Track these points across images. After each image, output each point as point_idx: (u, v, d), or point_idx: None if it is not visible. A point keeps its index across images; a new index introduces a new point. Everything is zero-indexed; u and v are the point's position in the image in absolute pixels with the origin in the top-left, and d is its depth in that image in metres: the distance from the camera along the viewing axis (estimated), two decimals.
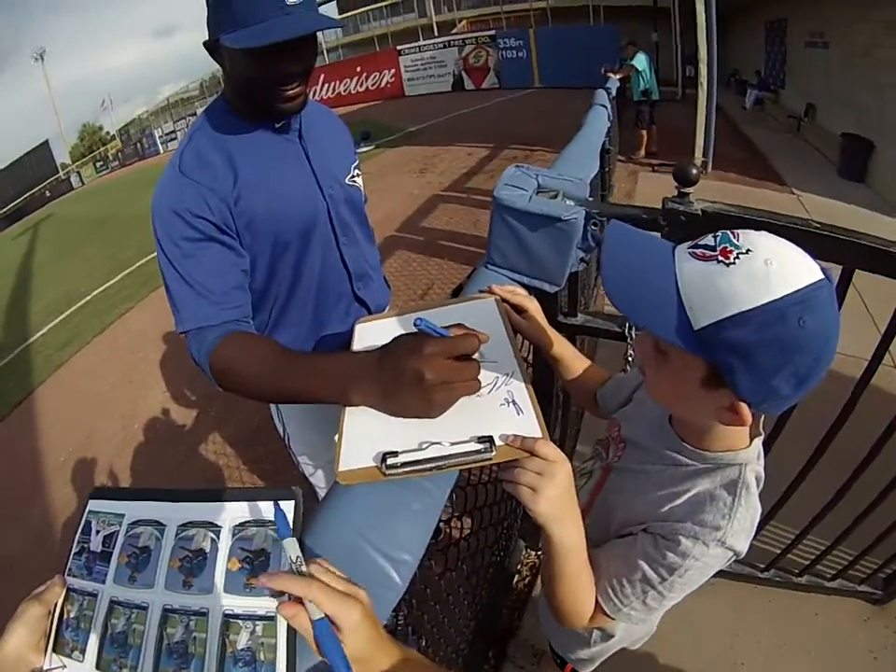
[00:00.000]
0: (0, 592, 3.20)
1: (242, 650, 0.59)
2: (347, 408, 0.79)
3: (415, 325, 0.74)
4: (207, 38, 1.11)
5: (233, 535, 0.66)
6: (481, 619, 1.83)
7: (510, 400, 0.75)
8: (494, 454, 0.67)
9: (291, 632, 0.57)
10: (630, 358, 1.36)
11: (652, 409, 0.91)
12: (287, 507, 0.66)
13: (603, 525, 0.95)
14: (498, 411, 0.74)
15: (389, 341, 0.77)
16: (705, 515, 0.78)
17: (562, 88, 14.41)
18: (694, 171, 1.24)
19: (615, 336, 1.46)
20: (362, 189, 1.45)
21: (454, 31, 21.81)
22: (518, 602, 2.21)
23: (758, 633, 1.98)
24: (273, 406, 1.55)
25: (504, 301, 1.03)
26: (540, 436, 0.69)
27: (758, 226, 0.74)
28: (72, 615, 0.67)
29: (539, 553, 2.35)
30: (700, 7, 6.41)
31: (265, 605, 0.61)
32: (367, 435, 0.74)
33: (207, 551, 0.66)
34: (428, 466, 0.67)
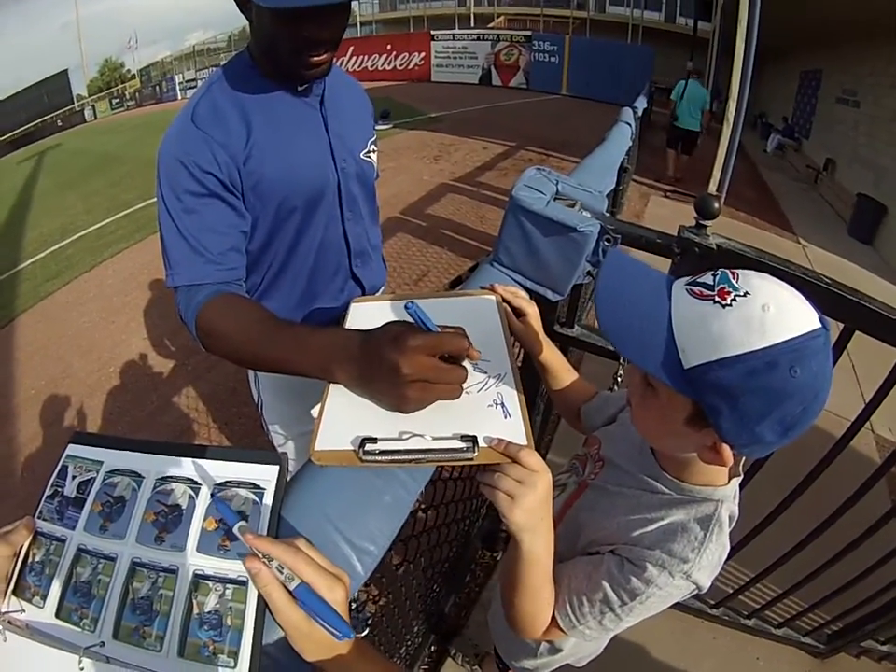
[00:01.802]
0: None
1: (209, 612, 0.58)
2: (332, 385, 0.78)
3: (406, 308, 0.72)
4: None
5: (212, 493, 0.65)
6: (429, 613, 1.83)
7: (498, 402, 0.74)
8: (476, 455, 0.66)
9: (261, 599, 0.56)
10: (619, 379, 1.36)
11: (636, 433, 0.90)
12: (271, 472, 0.65)
13: (570, 540, 0.95)
14: (486, 411, 0.73)
15: (378, 326, 0.75)
16: (675, 545, 0.78)
17: (588, 99, 14.36)
18: (716, 205, 1.22)
19: (608, 354, 1.46)
20: (376, 165, 1.42)
21: (490, 25, 21.72)
22: (467, 601, 2.22)
23: (699, 667, 2.00)
24: (250, 372, 1.53)
25: (505, 301, 1.02)
26: (526, 443, 0.68)
27: (770, 271, 0.72)
28: (37, 559, 0.65)
29: (495, 554, 2.36)
30: (740, 44, 6.40)
31: (238, 569, 0.59)
32: (348, 416, 0.73)
33: (184, 507, 0.65)
34: (407, 458, 0.66)
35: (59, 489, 0.70)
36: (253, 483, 0.65)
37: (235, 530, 0.58)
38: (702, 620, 2.09)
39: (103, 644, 0.58)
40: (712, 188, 6.90)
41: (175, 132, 1.09)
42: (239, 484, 0.65)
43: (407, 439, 0.68)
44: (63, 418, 3.96)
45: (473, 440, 0.67)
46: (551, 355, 1.11)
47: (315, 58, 1.06)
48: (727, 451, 0.68)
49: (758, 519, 1.63)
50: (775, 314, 0.60)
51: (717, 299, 0.64)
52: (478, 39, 18.77)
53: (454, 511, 1.60)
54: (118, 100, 46.13)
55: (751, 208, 7.32)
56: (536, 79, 17.43)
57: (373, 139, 1.39)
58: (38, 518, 0.68)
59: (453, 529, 1.72)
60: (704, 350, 0.63)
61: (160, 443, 0.71)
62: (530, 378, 1.59)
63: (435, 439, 0.67)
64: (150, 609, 0.59)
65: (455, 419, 0.70)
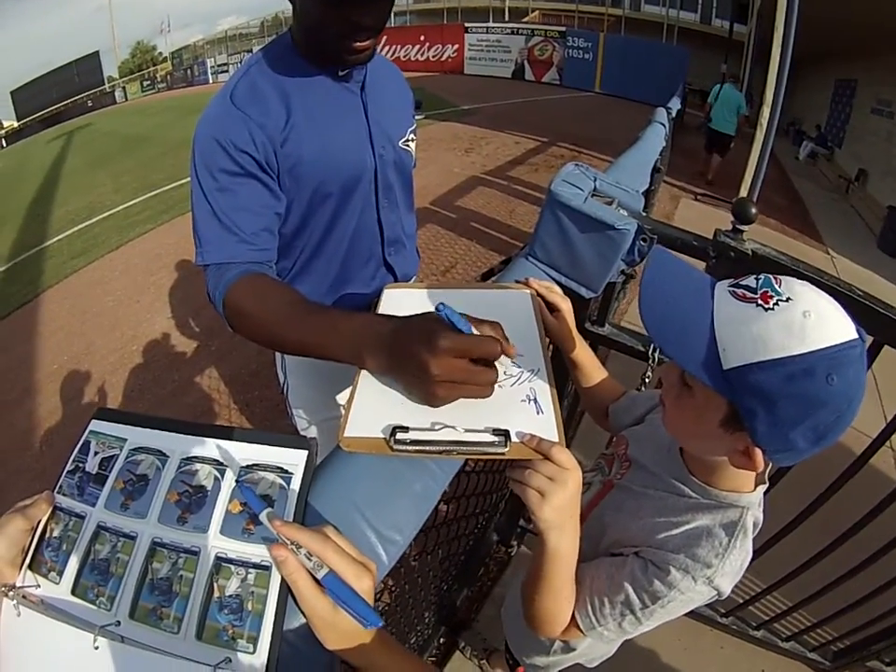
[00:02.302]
0: None
1: (230, 596, 0.57)
2: (363, 371, 0.77)
3: (437, 310, 0.70)
4: None
5: (238, 476, 0.64)
6: (441, 605, 1.84)
7: (531, 398, 0.73)
8: (507, 450, 0.65)
9: (284, 585, 0.56)
10: (647, 380, 1.35)
11: (664, 434, 0.90)
12: (299, 457, 0.64)
13: (594, 540, 0.95)
14: (518, 406, 0.72)
15: (411, 315, 0.74)
16: (699, 550, 0.78)
17: (621, 98, 14.22)
18: (753, 210, 1.21)
19: (637, 354, 1.45)
20: (414, 154, 1.41)
21: (524, 19, 21.55)
22: (479, 595, 2.22)
23: None
24: (277, 355, 1.52)
25: (539, 296, 1.01)
26: (557, 440, 0.68)
27: (804, 279, 0.70)
28: (55, 534, 0.64)
29: (509, 550, 2.36)
30: (776, 49, 6.31)
31: (261, 553, 0.58)
32: (379, 403, 0.72)
33: (209, 489, 0.64)
34: (437, 448, 0.65)
35: (80, 465, 0.69)
36: (280, 468, 0.64)
37: (262, 517, 0.57)
38: (710, 628, 2.08)
39: (118, 623, 0.57)
40: (743, 193, 6.81)
41: (213, 111, 1.09)
42: (266, 468, 0.64)
43: (439, 430, 0.67)
44: (84, 394, 4.01)
45: (505, 434, 0.66)
46: (583, 352, 1.10)
47: (359, 43, 1.05)
48: (759, 456, 0.68)
49: (774, 530, 1.61)
50: (815, 321, 0.61)
51: (760, 302, 0.64)
52: (512, 33, 18.62)
53: (473, 504, 1.60)
54: (149, 82, 46.65)
55: (781, 216, 7.21)
56: (569, 76, 17.25)
57: (413, 127, 1.39)
58: (58, 493, 0.67)
59: (471, 523, 1.72)
60: (744, 351, 0.63)
61: (186, 423, 0.70)
62: (558, 374, 1.60)
63: (467, 431, 0.67)
64: (169, 590, 0.58)
65: (487, 412, 0.70)
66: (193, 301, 4.81)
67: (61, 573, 0.61)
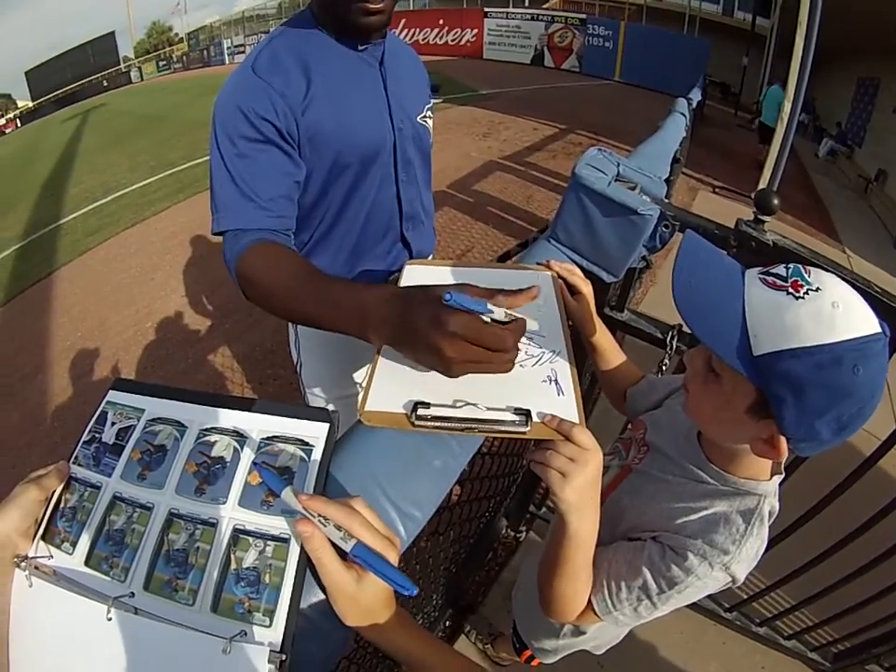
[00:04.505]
0: None
1: (246, 568, 0.56)
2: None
3: (444, 300, 0.66)
4: None
5: (258, 448, 0.63)
6: (449, 587, 1.84)
7: (552, 379, 0.73)
8: (528, 429, 0.65)
9: (303, 558, 0.55)
10: (664, 367, 1.34)
11: (683, 420, 0.90)
12: (321, 429, 0.63)
13: (611, 524, 0.94)
14: (540, 386, 0.72)
15: (413, 290, 0.72)
16: (717, 536, 0.79)
17: (641, 87, 14.09)
18: (775, 201, 1.20)
19: (655, 341, 1.44)
20: (431, 131, 1.41)
21: (545, 5, 21.35)
22: (487, 579, 2.22)
23: (705, 669, 1.99)
24: (291, 331, 1.53)
25: (560, 277, 1.01)
26: (578, 421, 0.67)
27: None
28: (69, 505, 0.63)
29: (518, 535, 2.36)
30: (799, 45, 6.21)
31: (280, 525, 0.58)
32: (400, 378, 0.71)
33: (228, 460, 0.63)
34: (459, 426, 0.65)
35: (97, 435, 0.68)
36: (301, 440, 0.63)
37: (284, 496, 0.57)
38: (714, 623, 2.08)
39: (132, 595, 0.56)
40: (762, 187, 6.75)
41: (234, 80, 1.10)
42: (287, 440, 0.63)
43: (460, 407, 0.67)
44: (97, 371, 4.04)
45: (527, 414, 0.66)
46: (602, 335, 1.10)
47: (372, 4, 1.06)
48: (783, 444, 0.69)
49: (782, 526, 1.60)
50: (843, 312, 0.62)
51: (790, 290, 0.65)
52: (532, 19, 18.45)
53: (485, 487, 1.60)
54: (164, 62, 46.67)
55: (799, 212, 7.14)
56: (589, 63, 17.11)
57: (430, 105, 1.39)
58: (74, 463, 0.66)
59: (482, 506, 1.72)
60: (775, 338, 0.64)
61: (205, 393, 0.69)
62: (576, 357, 1.60)
63: (488, 409, 0.66)
64: (185, 561, 0.58)
65: (508, 392, 0.69)
66: (208, 280, 4.83)
67: (74, 544, 0.60)
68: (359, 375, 1.53)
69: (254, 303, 0.99)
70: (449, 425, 0.65)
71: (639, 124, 8.11)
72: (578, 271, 1.05)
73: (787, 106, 6.45)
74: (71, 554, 0.60)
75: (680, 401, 0.93)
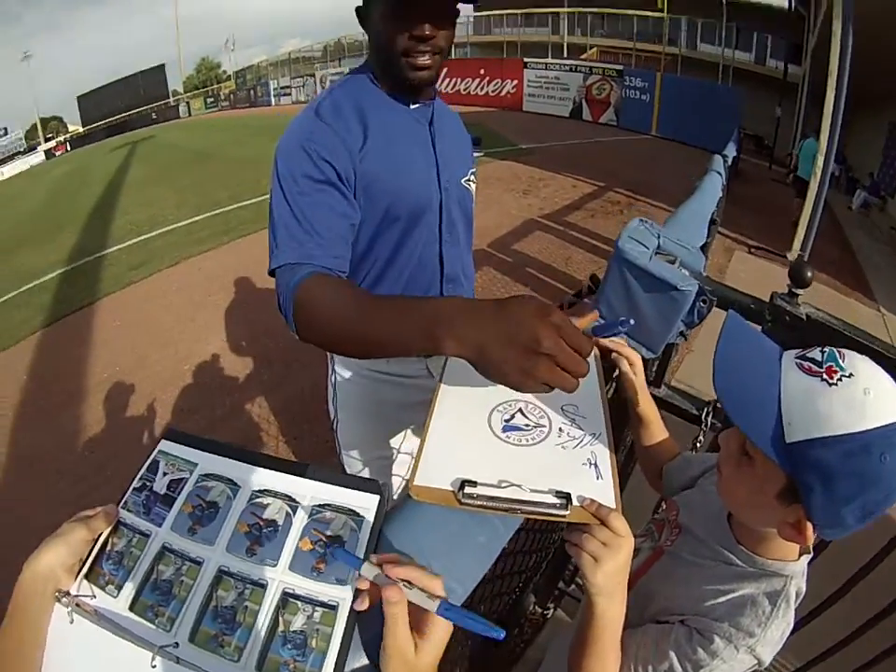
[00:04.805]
0: (19, 487, 3.41)
1: (294, 631, 0.58)
2: (433, 416, 0.79)
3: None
4: (360, 4, 1.21)
5: (310, 514, 0.66)
6: (473, 660, 1.78)
7: (592, 462, 0.74)
8: (568, 513, 0.66)
9: (350, 625, 0.57)
10: (699, 444, 1.36)
11: (715, 501, 0.91)
12: (371, 501, 0.66)
13: (641, 607, 0.95)
14: (580, 469, 0.73)
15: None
16: (743, 619, 0.79)
17: (678, 141, 14.15)
18: (809, 274, 1.22)
19: (691, 418, 1.45)
20: (474, 194, 1.45)
21: (583, 56, 21.72)
22: (512, 656, 2.14)
23: None
24: (330, 388, 1.54)
25: (612, 350, 1.03)
26: (615, 507, 0.68)
27: (856, 344, 0.82)
28: (116, 548, 0.65)
29: (546, 612, 2.28)
30: (830, 95, 6.18)
31: (330, 592, 0.60)
32: (449, 452, 0.73)
33: (280, 524, 0.65)
34: (503, 506, 0.67)
35: (148, 483, 0.70)
36: (352, 510, 0.65)
37: (364, 572, 0.57)
38: None
39: (177, 645, 0.57)
40: (796, 246, 6.74)
41: (299, 124, 1.17)
42: (338, 509, 0.66)
43: (505, 487, 0.68)
44: (133, 407, 4.07)
45: (567, 497, 0.67)
46: (649, 408, 1.11)
47: (419, 60, 1.14)
48: (809, 529, 0.70)
49: (809, 606, 1.52)
50: (874, 399, 0.64)
51: (825, 376, 0.67)
52: (570, 70, 18.68)
53: (518, 561, 1.60)
54: (212, 99, 48.36)
55: (833, 269, 7.05)
56: (626, 116, 17.19)
57: (473, 169, 1.45)
58: (123, 508, 0.68)
59: (513, 581, 1.71)
60: (809, 426, 0.66)
61: (258, 454, 0.71)
62: (615, 426, 1.58)
63: (532, 491, 0.68)
64: (233, 618, 0.59)
65: (551, 473, 0.71)
66: (249, 327, 4.85)
67: (119, 587, 0.62)
68: (396, 438, 1.53)
69: (307, 335, 0.98)
70: (494, 504, 0.67)
71: (676, 182, 8.19)
72: (626, 343, 1.07)
73: (819, 161, 6.41)
74: (115, 598, 0.61)
75: (714, 481, 0.94)
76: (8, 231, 13.06)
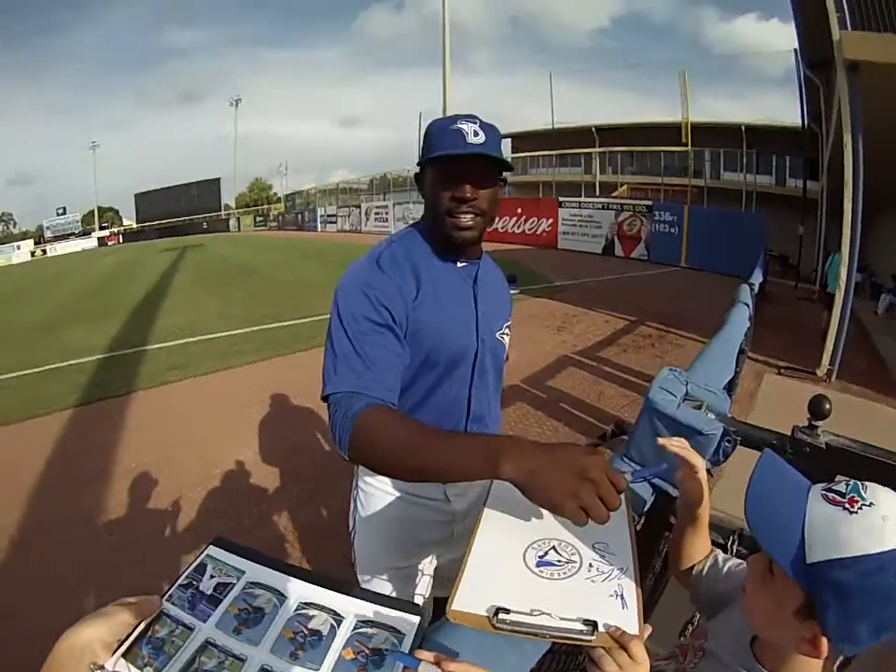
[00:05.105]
0: (36, 554, 3.47)
1: None
2: (474, 546, 0.86)
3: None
4: (418, 171, 1.37)
5: (354, 628, 0.70)
6: None
7: (619, 594, 0.79)
8: (594, 638, 0.71)
9: None
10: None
11: (739, 624, 0.95)
12: (412, 621, 0.71)
13: None
14: (607, 600, 0.78)
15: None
16: None
17: (706, 271, 14.45)
18: (827, 406, 1.31)
19: (717, 546, 1.43)
20: (507, 347, 1.57)
21: (614, 193, 22.67)
22: None
23: None
24: (353, 500, 1.60)
25: (676, 455, 1.09)
26: (637, 634, 0.73)
27: (873, 464, 0.92)
28: (157, 635, 0.68)
29: None
30: (848, 205, 6.35)
31: None
32: (485, 581, 0.79)
33: (324, 634, 0.69)
34: (533, 631, 0.72)
35: (194, 582, 0.75)
36: (394, 628, 0.70)
37: (422, 670, 0.63)
38: None
39: None
40: (825, 361, 6.78)
41: (360, 269, 1.31)
42: (381, 626, 0.70)
43: (537, 615, 0.73)
44: (157, 498, 4.08)
45: (594, 624, 0.72)
46: (704, 512, 1.15)
47: (461, 220, 1.29)
48: (824, 644, 0.74)
49: None
50: (892, 524, 0.69)
51: (847, 505, 0.73)
52: (602, 208, 19.52)
53: None
54: (261, 218, 51.02)
55: (863, 379, 6.98)
56: (656, 250, 17.70)
57: (509, 323, 1.57)
58: (167, 601, 0.72)
59: None
60: (829, 549, 0.71)
61: (306, 571, 0.77)
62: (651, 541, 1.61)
63: (562, 619, 0.73)
64: None
65: (579, 603, 0.76)
66: (282, 443, 4.86)
67: (157, 670, 0.64)
68: (408, 553, 1.56)
69: (361, 458, 1.07)
70: (526, 630, 0.72)
71: (705, 312, 8.32)
72: (686, 443, 1.12)
73: (843, 273, 6.49)
74: None
75: (739, 608, 0.97)
76: (55, 307, 13.73)
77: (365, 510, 1.54)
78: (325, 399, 1.16)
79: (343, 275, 1.31)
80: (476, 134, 1.24)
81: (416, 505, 1.48)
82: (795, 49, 13.99)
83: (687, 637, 1.16)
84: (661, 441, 1.13)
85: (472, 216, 1.29)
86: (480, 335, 1.41)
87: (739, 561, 1.15)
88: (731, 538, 1.38)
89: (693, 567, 1.20)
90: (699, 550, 1.20)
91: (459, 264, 1.41)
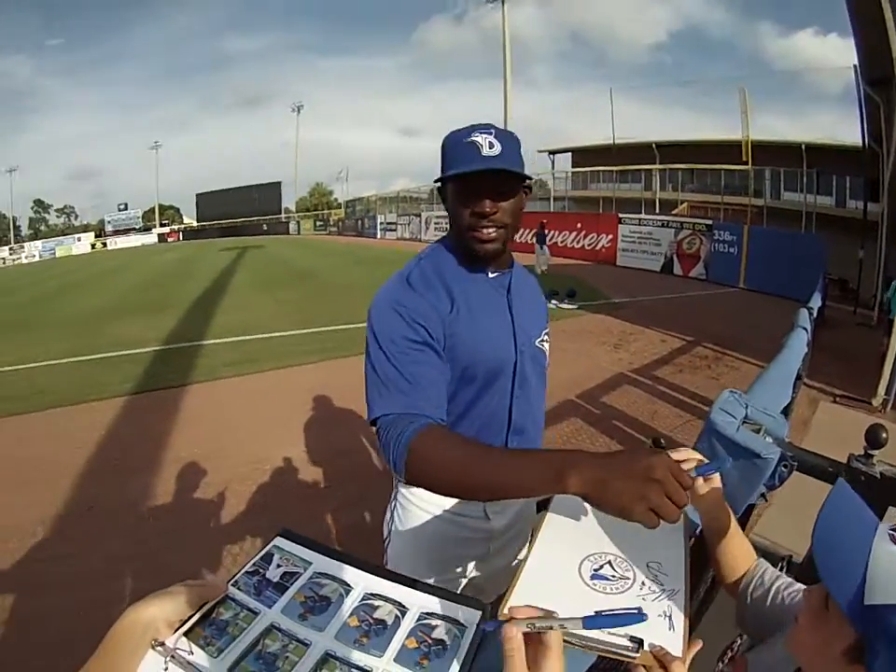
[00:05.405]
0: (72, 528, 3.67)
1: None
2: (532, 555, 0.87)
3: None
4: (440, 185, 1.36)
5: (418, 619, 0.72)
6: None
7: (667, 615, 0.79)
8: (638, 655, 0.72)
9: None
10: None
11: (780, 655, 0.93)
12: (474, 615, 0.73)
13: None
14: (655, 620, 0.78)
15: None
16: None
17: (765, 293, 14.08)
18: (884, 435, 1.30)
19: None
20: (547, 353, 1.54)
21: (674, 211, 22.28)
22: None
23: None
24: (389, 511, 1.60)
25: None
26: (681, 656, 0.73)
27: None
28: (222, 618, 0.70)
29: None
30: None
31: None
32: (539, 589, 0.80)
33: (389, 623, 0.72)
34: (583, 643, 0.72)
35: (261, 570, 0.78)
36: (457, 621, 0.72)
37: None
38: None
39: None
40: (881, 391, 6.53)
41: (391, 288, 1.30)
42: (444, 618, 0.73)
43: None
44: (205, 488, 4.19)
45: (640, 642, 0.72)
46: (726, 516, 1.10)
47: (482, 234, 1.27)
48: None
49: None
50: None
51: None
52: (662, 226, 19.15)
53: None
54: (321, 223, 51.94)
55: None
56: (715, 270, 17.23)
57: (546, 329, 1.54)
58: (233, 586, 0.75)
59: None
60: (888, 592, 0.67)
61: (372, 564, 0.80)
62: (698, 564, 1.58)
63: (609, 634, 0.73)
64: None
65: None
66: (330, 445, 4.91)
67: (220, 651, 0.66)
68: (444, 569, 1.53)
69: (418, 479, 1.05)
70: (575, 641, 0.72)
71: (762, 335, 8.19)
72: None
73: None
74: (216, 658, 0.65)
75: (782, 641, 0.95)
76: (115, 299, 14.30)
77: (402, 522, 1.53)
78: (373, 422, 1.15)
79: (375, 296, 1.30)
80: (492, 146, 1.22)
81: (454, 523, 1.46)
82: (855, 66, 13.47)
83: (725, 663, 1.13)
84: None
85: (494, 229, 1.27)
86: (518, 346, 1.39)
87: (789, 581, 1.11)
88: (780, 564, 1.35)
89: (739, 581, 1.16)
90: (739, 558, 1.16)
91: (491, 275, 1.39)
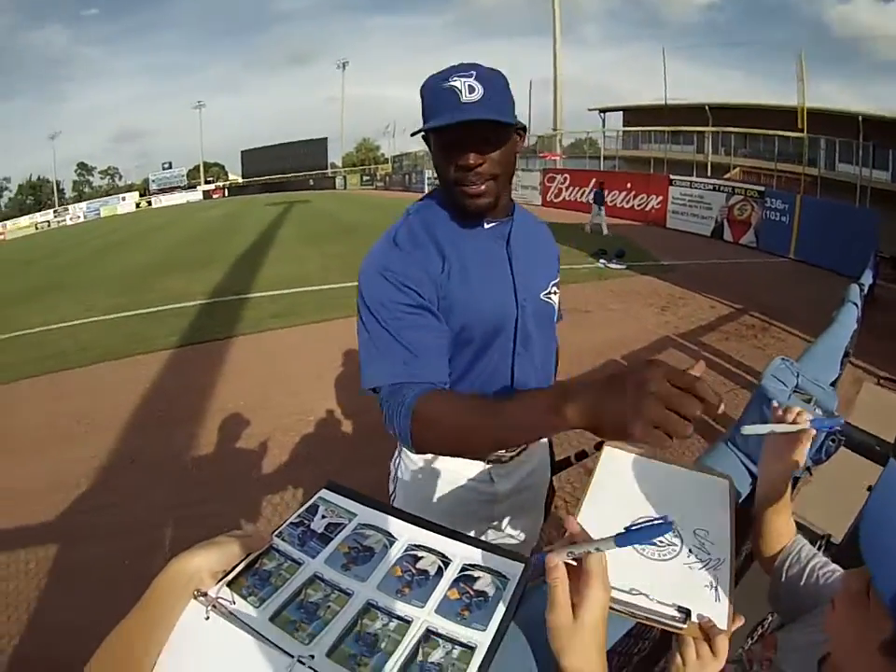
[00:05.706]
0: (115, 479, 3.80)
1: (431, 662, 0.61)
2: (579, 517, 0.84)
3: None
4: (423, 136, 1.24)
5: (460, 570, 0.72)
6: None
7: (714, 585, 0.78)
8: (685, 626, 0.72)
9: (485, 666, 0.61)
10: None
11: (812, 645, 0.90)
12: (517, 568, 0.72)
13: None
14: (702, 590, 0.78)
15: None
16: None
17: (815, 265, 13.63)
18: None
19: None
20: (556, 306, 1.46)
21: (726, 175, 21.51)
22: None
23: None
24: (393, 468, 1.59)
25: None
26: (726, 628, 0.72)
27: None
28: (265, 568, 0.70)
29: None
30: None
31: (470, 636, 0.64)
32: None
33: (431, 574, 0.71)
34: (628, 610, 0.73)
35: (306, 521, 0.78)
36: (499, 572, 0.71)
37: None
38: None
39: (312, 657, 0.60)
40: None
41: (378, 251, 1.24)
42: (486, 570, 0.72)
43: (635, 595, 0.75)
44: (249, 439, 4.28)
45: (688, 613, 0.73)
46: (786, 487, 1.08)
47: (470, 188, 1.16)
48: None
49: None
50: None
51: None
52: (714, 190, 18.49)
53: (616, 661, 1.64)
54: (368, 178, 51.63)
55: None
56: (765, 238, 16.56)
57: (556, 280, 1.46)
58: (277, 537, 0.75)
59: None
60: None
61: (416, 516, 0.80)
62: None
63: (658, 602, 0.74)
64: (375, 644, 0.62)
65: (676, 590, 0.77)
66: (370, 399, 4.92)
67: (263, 600, 0.66)
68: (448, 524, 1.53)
69: (425, 445, 1.05)
70: (622, 608, 0.74)
71: (811, 308, 7.89)
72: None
73: None
74: (257, 608, 0.65)
75: (815, 623, 0.94)
76: (160, 256, 14.49)
77: (406, 481, 1.52)
78: (373, 391, 1.14)
79: (363, 260, 1.24)
80: (472, 90, 1.09)
81: (458, 485, 1.44)
82: None
83: (755, 640, 1.11)
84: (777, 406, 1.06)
85: (483, 182, 1.16)
86: (519, 300, 1.30)
87: (825, 561, 1.07)
88: (818, 543, 1.34)
89: (776, 557, 1.13)
90: (784, 533, 1.13)
91: (487, 225, 1.29)
